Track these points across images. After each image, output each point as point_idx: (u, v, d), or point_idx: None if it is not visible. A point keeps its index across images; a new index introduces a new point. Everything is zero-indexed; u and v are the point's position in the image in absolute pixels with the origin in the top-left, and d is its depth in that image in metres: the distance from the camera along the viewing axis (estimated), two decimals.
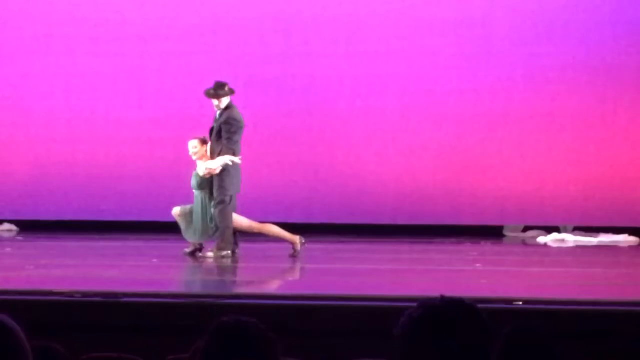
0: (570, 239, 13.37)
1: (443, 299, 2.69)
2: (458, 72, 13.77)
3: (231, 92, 10.72)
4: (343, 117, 13.87)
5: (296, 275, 9.29)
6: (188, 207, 10.76)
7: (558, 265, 11.17)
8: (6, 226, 14.14)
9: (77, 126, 14.09)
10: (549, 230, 13.65)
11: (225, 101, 10.68)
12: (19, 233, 13.87)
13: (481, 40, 13.78)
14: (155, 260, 10.48)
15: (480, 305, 2.72)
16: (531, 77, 13.75)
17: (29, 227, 13.81)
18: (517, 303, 7.07)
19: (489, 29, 13.80)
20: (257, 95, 13.61)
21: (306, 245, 10.73)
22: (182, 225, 10.73)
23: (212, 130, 10.70)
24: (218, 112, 10.68)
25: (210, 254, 10.63)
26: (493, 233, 13.65)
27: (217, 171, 10.51)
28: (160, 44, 13.93)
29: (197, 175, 10.66)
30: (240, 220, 10.71)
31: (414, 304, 2.70)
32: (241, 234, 10.87)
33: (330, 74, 13.86)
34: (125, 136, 14.00)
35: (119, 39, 13.98)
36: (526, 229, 14.01)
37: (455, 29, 13.79)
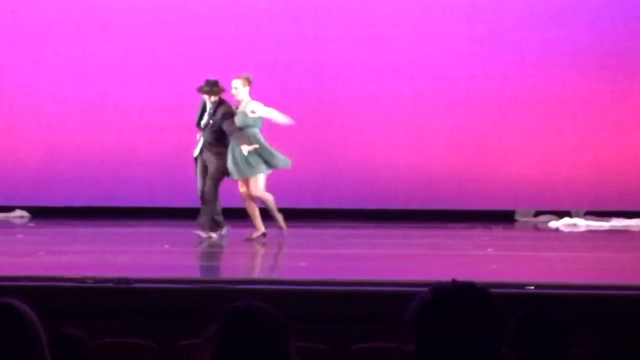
0: (582, 224, 13.34)
1: (455, 283, 2.69)
2: (469, 56, 13.74)
3: (223, 90, 11.26)
4: (354, 102, 13.86)
5: (307, 260, 9.30)
6: None
7: (570, 250, 11.15)
8: (18, 212, 14.18)
9: (88, 112, 14.10)
10: (560, 214, 13.63)
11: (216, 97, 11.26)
12: (30, 219, 13.89)
13: (492, 24, 13.74)
14: (167, 246, 10.51)
15: (491, 290, 2.72)
16: (542, 61, 13.71)
17: (41, 214, 13.84)
18: (529, 287, 7.07)
19: (499, 13, 13.76)
20: (267, 80, 13.58)
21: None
22: None
23: (202, 122, 11.24)
24: (211, 107, 11.15)
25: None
26: (504, 218, 13.64)
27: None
28: (171, 30, 13.92)
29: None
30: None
31: (426, 289, 2.70)
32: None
33: (341, 59, 13.84)
34: (137, 122, 14.02)
35: (129, 25, 13.98)
36: (537, 213, 13.99)
37: (466, 13, 13.76)
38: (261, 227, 10.93)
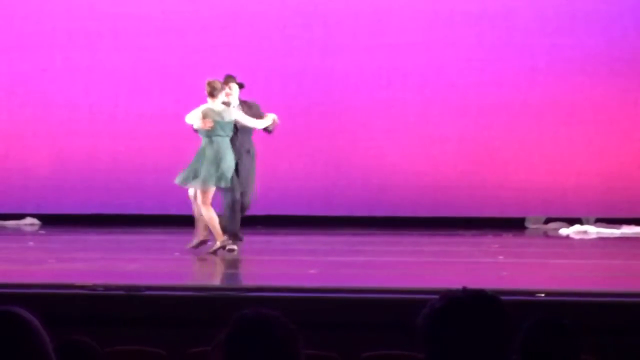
0: (593, 231, 13.31)
1: (465, 290, 2.69)
2: (479, 63, 13.73)
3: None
4: (363, 109, 13.86)
5: (317, 267, 9.29)
6: None
7: (580, 257, 11.13)
8: (28, 220, 14.20)
9: (98, 120, 14.12)
10: (571, 222, 13.59)
11: None
12: (41, 227, 13.92)
13: (502, 31, 13.73)
14: (177, 254, 10.51)
15: (502, 297, 2.72)
16: (552, 68, 13.69)
17: (51, 221, 13.86)
18: (539, 295, 7.05)
19: (510, 20, 13.75)
20: (278, 88, 13.61)
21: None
22: None
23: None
24: (236, 103, 10.75)
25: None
26: (515, 225, 13.62)
27: None
28: (181, 37, 13.94)
29: None
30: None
31: (436, 296, 2.70)
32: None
33: (351, 67, 13.84)
34: (147, 130, 14.03)
35: (139, 32, 14.00)
36: (548, 220, 13.96)
37: (476, 20, 13.75)
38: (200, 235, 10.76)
